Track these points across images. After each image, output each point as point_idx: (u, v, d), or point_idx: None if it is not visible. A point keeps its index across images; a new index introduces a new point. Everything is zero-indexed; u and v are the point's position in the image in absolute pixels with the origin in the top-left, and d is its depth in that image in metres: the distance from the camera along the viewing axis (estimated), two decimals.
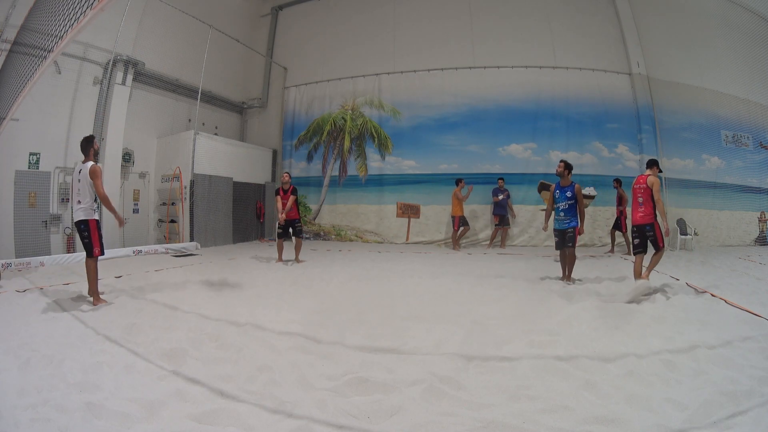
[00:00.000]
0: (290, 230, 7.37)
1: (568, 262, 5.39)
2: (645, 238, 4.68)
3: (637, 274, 4.60)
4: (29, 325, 3.44)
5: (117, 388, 2.29)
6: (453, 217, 9.45)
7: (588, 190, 9.61)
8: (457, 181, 9.41)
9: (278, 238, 7.44)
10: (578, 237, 5.26)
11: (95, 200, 4.30)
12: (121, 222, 4.62)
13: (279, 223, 7.29)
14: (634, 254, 4.75)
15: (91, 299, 4.21)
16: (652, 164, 4.87)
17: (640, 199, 4.68)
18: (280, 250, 7.43)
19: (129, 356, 2.77)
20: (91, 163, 4.25)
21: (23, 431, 1.85)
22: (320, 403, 2.15)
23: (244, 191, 11.12)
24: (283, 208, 7.15)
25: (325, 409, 2.09)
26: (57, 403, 2.07)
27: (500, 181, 9.59)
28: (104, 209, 4.54)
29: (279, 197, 7.24)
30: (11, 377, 2.40)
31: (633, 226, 4.75)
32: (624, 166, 9.98)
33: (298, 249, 7.41)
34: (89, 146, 4.32)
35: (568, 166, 5.31)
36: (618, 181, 8.87)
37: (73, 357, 2.70)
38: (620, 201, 8.66)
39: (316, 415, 2.03)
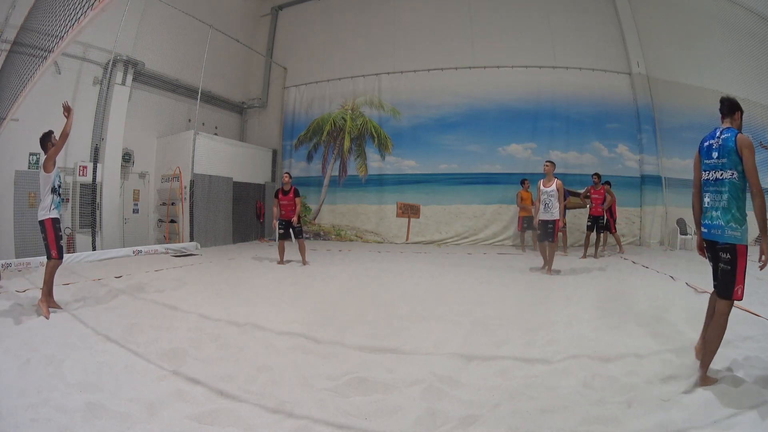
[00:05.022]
0: (291, 231, 7.13)
1: None
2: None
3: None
4: (29, 325, 3.43)
5: (117, 388, 2.29)
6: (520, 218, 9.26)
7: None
8: (522, 181, 9.23)
9: (279, 239, 7.24)
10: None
11: (55, 193, 3.98)
12: (68, 110, 4.08)
13: (275, 225, 7.10)
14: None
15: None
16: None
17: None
18: (282, 251, 7.29)
19: (129, 356, 2.76)
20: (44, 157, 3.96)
21: (23, 431, 1.85)
22: (320, 403, 2.15)
23: (244, 191, 11.12)
24: (284, 209, 6.96)
25: (325, 409, 2.09)
26: (57, 403, 2.07)
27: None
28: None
29: (277, 200, 7.06)
30: (11, 377, 2.40)
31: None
32: (624, 166, 9.99)
33: (302, 251, 7.20)
34: (47, 140, 4.09)
35: None
36: (597, 176, 8.07)
37: (73, 357, 2.70)
38: (604, 200, 7.97)
39: (316, 415, 2.03)
